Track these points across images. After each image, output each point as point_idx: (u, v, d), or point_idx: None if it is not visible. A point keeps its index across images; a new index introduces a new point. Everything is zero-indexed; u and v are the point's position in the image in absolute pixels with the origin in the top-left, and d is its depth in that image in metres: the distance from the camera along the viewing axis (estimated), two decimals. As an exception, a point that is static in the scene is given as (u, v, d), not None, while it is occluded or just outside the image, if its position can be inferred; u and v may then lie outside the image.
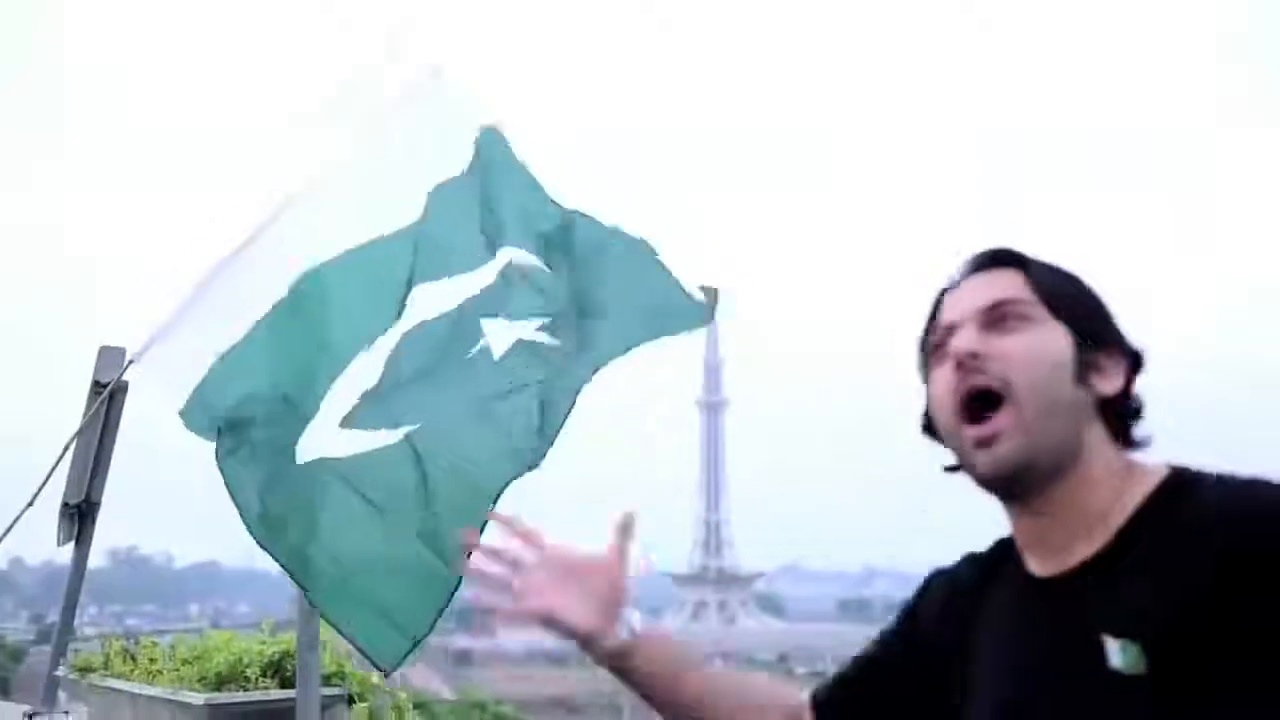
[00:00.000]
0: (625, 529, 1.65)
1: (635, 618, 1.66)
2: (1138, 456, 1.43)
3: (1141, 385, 1.48)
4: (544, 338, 3.39)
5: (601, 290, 3.40)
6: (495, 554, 1.66)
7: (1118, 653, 1.29)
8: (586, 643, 1.63)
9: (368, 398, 3.36)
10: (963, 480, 1.45)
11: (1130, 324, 1.49)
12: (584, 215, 3.50)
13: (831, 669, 1.71)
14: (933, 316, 1.51)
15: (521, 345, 3.39)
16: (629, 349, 3.31)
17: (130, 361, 3.45)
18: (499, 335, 3.39)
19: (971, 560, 1.56)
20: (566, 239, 3.50)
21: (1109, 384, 1.41)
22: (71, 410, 3.56)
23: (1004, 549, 1.49)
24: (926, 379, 1.49)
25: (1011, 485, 1.41)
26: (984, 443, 1.39)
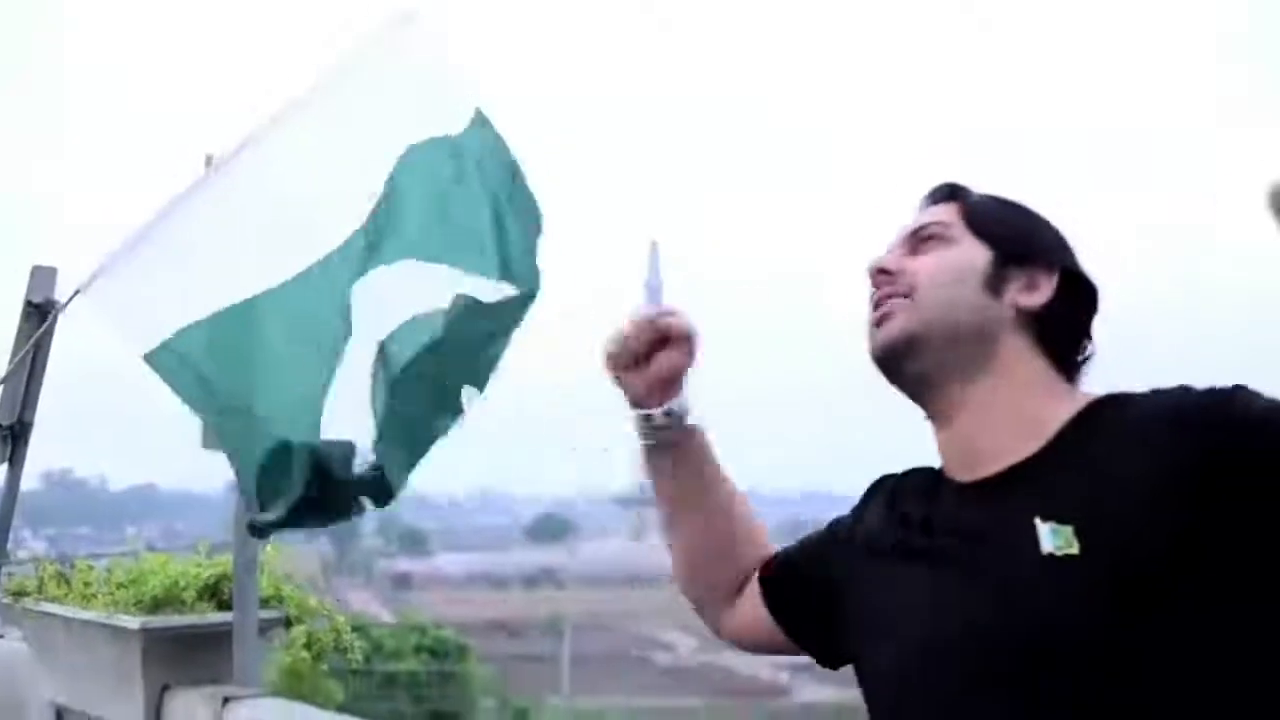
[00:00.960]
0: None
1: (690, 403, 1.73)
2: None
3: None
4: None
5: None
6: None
7: (1049, 536, 1.33)
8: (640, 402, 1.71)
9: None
10: (902, 415, 1.52)
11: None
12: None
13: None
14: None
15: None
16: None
17: (76, 291, 3.41)
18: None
19: (917, 472, 1.61)
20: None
21: (1028, 298, 1.48)
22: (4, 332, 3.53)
23: (933, 469, 1.56)
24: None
25: (901, 363, 1.49)
26: (879, 321, 1.50)
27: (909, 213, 1.61)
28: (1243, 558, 1.29)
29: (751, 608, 1.75)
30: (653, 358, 1.68)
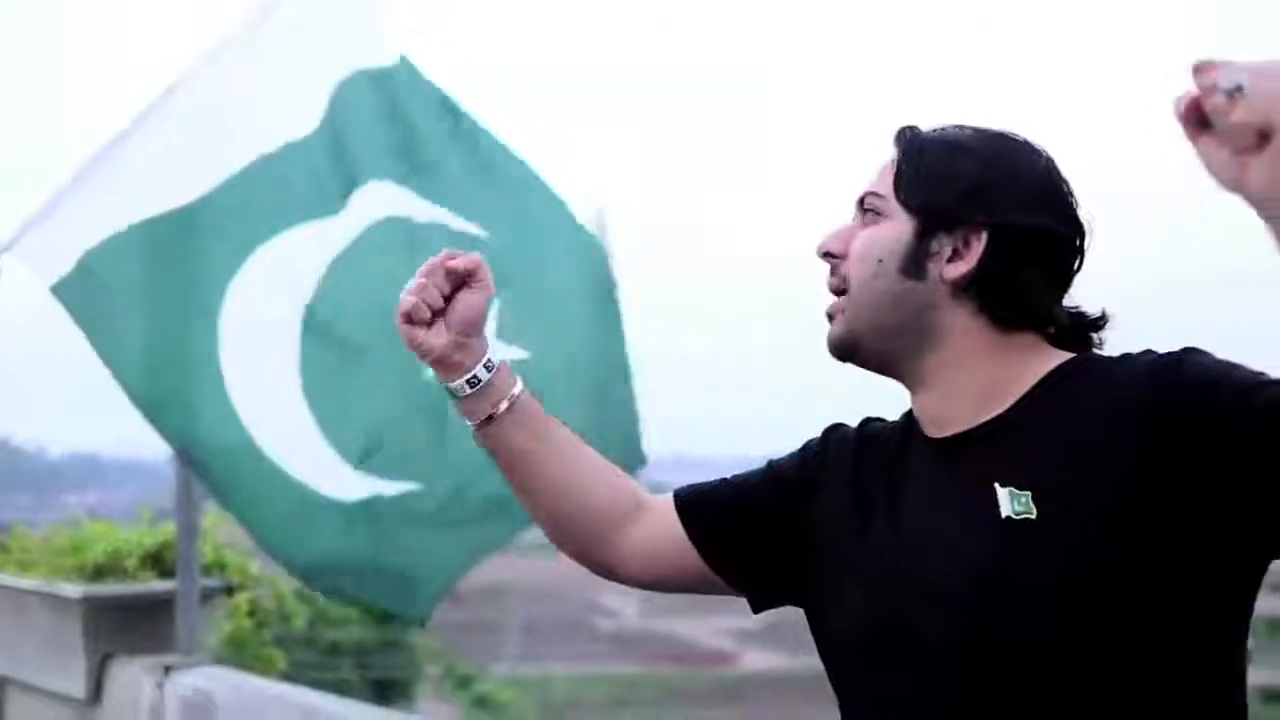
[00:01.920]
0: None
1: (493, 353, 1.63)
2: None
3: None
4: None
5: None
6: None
7: (1008, 500, 1.34)
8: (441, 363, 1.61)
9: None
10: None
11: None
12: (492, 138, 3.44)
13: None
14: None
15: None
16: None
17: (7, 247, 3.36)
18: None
19: (873, 421, 1.61)
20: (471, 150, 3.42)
21: (958, 267, 1.45)
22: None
23: (908, 419, 1.54)
24: None
25: (850, 362, 1.51)
26: (828, 318, 1.51)
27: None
28: (1197, 532, 1.29)
29: (655, 541, 1.68)
30: (450, 306, 1.60)
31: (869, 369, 1.52)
